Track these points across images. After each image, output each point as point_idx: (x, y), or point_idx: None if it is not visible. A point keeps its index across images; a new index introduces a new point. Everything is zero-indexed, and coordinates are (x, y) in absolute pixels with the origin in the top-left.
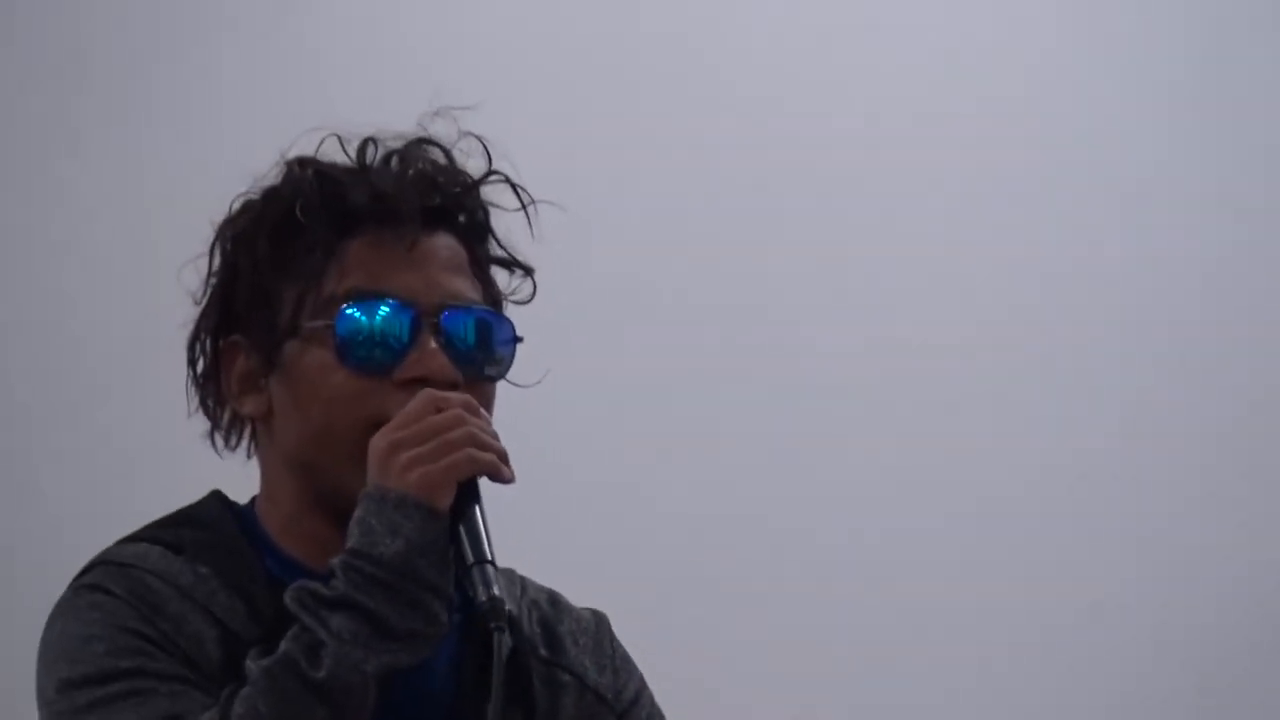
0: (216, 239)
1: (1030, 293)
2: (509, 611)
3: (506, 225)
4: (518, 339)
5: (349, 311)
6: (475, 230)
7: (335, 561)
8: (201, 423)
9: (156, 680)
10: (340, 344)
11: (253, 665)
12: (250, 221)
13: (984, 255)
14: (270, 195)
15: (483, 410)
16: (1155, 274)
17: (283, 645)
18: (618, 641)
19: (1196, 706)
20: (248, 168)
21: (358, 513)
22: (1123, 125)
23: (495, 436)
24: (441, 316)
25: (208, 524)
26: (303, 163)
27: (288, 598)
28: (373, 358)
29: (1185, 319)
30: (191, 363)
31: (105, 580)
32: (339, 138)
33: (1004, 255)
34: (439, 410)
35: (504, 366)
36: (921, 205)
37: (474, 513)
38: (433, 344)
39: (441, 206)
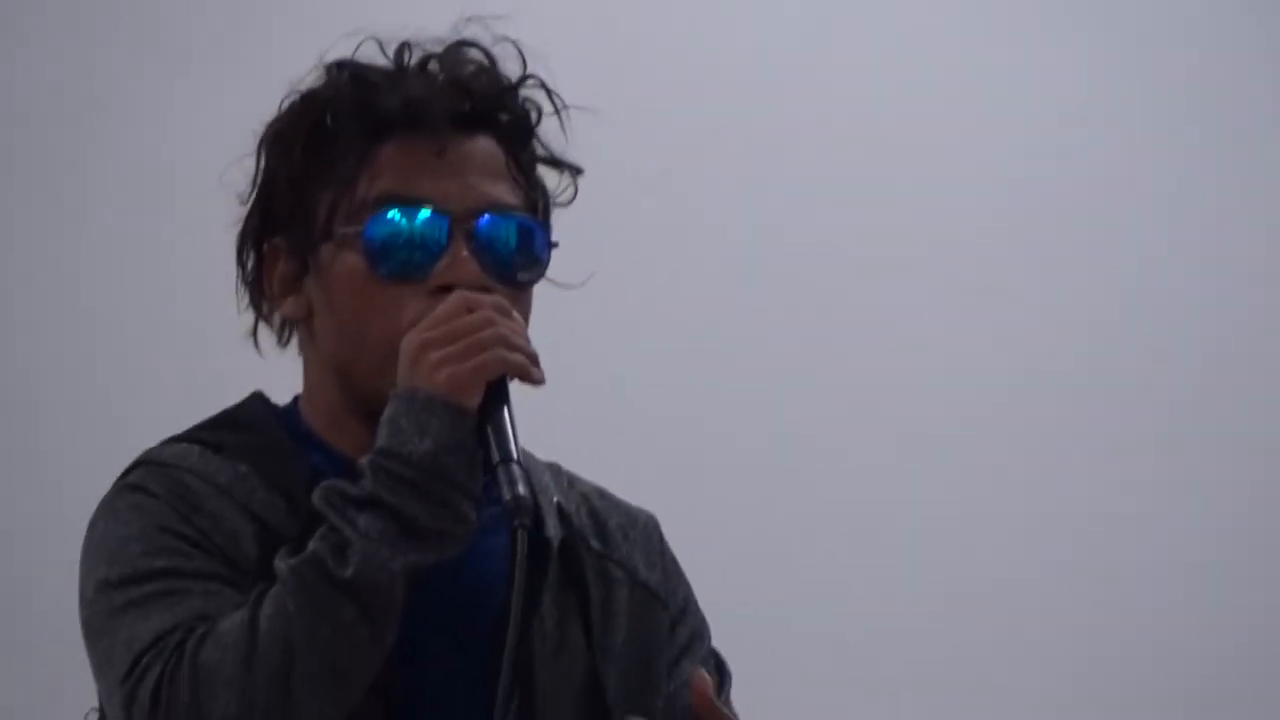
0: (260, 141)
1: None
2: (557, 503)
3: (556, 127)
4: (553, 244)
5: (379, 217)
6: (516, 133)
7: (364, 461)
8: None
9: (191, 579)
10: (370, 250)
11: (281, 565)
12: (287, 125)
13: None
14: (307, 99)
15: (515, 312)
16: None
17: (311, 545)
18: (667, 544)
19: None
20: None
21: (387, 412)
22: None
23: (526, 338)
24: (475, 222)
25: (249, 424)
26: (340, 65)
27: (316, 497)
28: (404, 264)
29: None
30: (240, 264)
31: (145, 480)
32: (378, 42)
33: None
34: (470, 311)
35: (538, 272)
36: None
37: (502, 413)
38: (465, 250)
39: (476, 110)
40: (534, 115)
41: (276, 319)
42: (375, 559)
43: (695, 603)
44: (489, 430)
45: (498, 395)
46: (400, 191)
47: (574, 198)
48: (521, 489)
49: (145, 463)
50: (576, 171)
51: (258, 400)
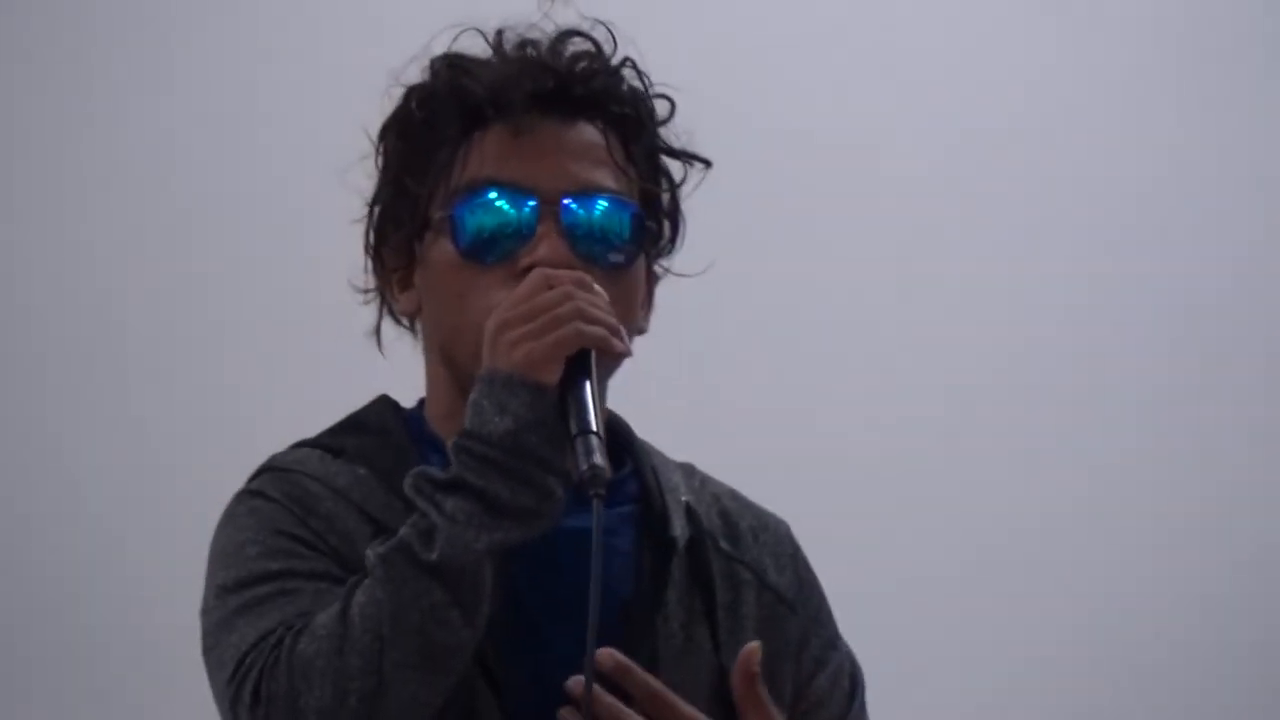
0: (378, 136)
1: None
2: (686, 502)
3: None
4: (646, 227)
5: (466, 201)
6: (623, 120)
7: (449, 445)
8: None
9: (303, 579)
10: (458, 234)
11: (370, 553)
12: (391, 119)
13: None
14: (407, 93)
15: (597, 287)
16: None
17: (400, 531)
18: (801, 551)
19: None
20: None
21: (471, 395)
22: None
23: (608, 311)
24: (561, 204)
25: (373, 427)
26: (443, 57)
27: (406, 485)
28: (491, 247)
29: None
30: (368, 262)
31: (265, 485)
32: (481, 33)
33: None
34: (550, 288)
35: (631, 253)
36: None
37: (582, 386)
38: (550, 231)
39: (564, 92)
40: (646, 104)
41: (405, 321)
42: (460, 540)
43: (828, 612)
44: (569, 403)
45: (579, 369)
46: (489, 175)
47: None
48: (598, 459)
49: (268, 469)
50: (705, 163)
51: (383, 403)
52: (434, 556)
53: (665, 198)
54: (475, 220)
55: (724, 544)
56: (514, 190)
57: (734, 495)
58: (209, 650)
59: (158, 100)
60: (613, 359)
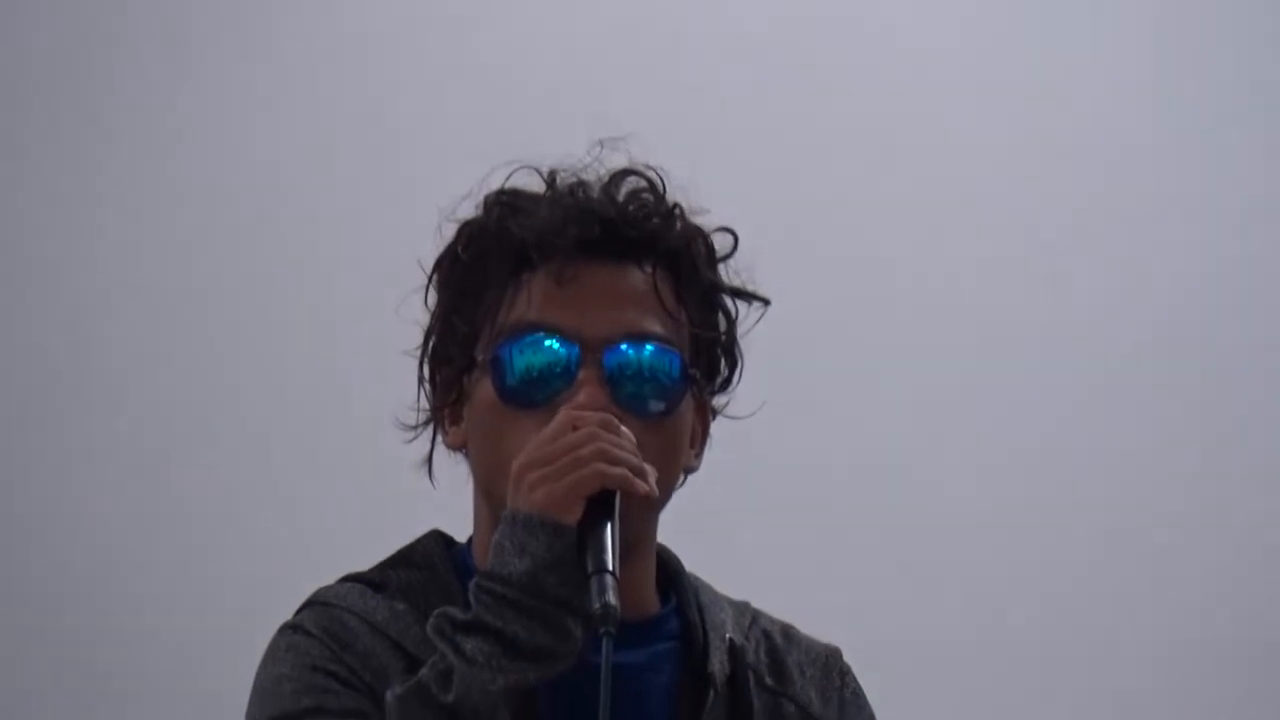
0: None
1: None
2: (729, 640)
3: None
4: (690, 375)
5: (507, 344)
6: (675, 262)
7: (470, 586)
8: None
9: (336, 717)
10: (499, 377)
11: (389, 695)
12: (443, 255)
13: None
14: (460, 229)
15: (623, 429)
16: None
17: (421, 672)
18: (850, 675)
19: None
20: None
21: (494, 536)
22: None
23: (634, 452)
24: (604, 351)
25: (419, 563)
26: (496, 194)
27: (429, 626)
28: (531, 392)
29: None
30: (421, 393)
31: (306, 620)
32: (537, 171)
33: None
34: (575, 429)
35: (673, 402)
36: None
37: (602, 527)
38: (591, 378)
39: (615, 237)
40: (700, 245)
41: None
42: (476, 682)
43: None
44: (588, 543)
45: (601, 510)
46: (532, 319)
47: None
48: (610, 598)
49: (312, 603)
50: (764, 301)
51: (432, 538)
52: (450, 699)
53: (723, 334)
54: (517, 364)
55: (769, 679)
56: (557, 336)
57: (785, 632)
58: None
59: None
60: (636, 500)
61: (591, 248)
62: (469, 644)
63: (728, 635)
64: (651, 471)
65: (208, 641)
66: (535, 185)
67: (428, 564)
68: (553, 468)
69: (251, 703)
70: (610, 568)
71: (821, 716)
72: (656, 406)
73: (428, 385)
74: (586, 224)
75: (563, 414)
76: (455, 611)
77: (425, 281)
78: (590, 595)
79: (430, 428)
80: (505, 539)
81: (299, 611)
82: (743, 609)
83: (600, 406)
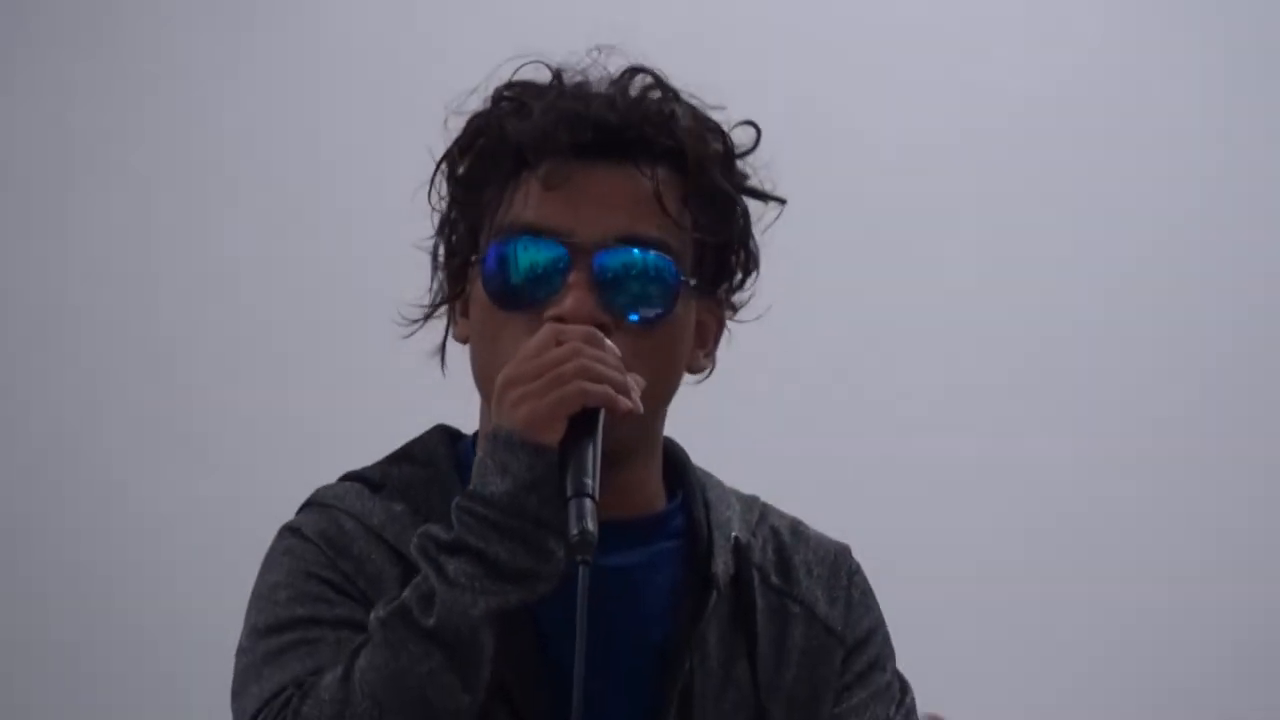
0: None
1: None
2: (735, 538)
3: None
4: (681, 279)
5: (497, 246)
6: (677, 163)
7: (453, 504)
8: None
9: (329, 627)
10: (487, 280)
11: (372, 617)
12: (451, 150)
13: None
14: (467, 125)
15: (608, 343)
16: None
17: (404, 593)
18: (859, 575)
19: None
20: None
21: (478, 453)
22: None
23: (618, 368)
24: (594, 255)
25: (420, 459)
26: (504, 88)
27: (413, 544)
28: (516, 295)
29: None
30: (433, 283)
31: (304, 523)
32: (547, 65)
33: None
34: (559, 344)
35: (663, 309)
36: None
37: (583, 447)
38: (580, 282)
39: (610, 140)
40: (707, 146)
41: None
42: (457, 605)
43: (882, 633)
44: (568, 464)
45: (584, 428)
46: (523, 220)
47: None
48: (589, 524)
49: (310, 503)
50: (779, 201)
51: (436, 434)
52: (431, 622)
53: (739, 234)
54: (505, 265)
55: (775, 579)
56: (546, 238)
57: (794, 528)
58: (235, 695)
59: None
60: (621, 416)
61: (585, 151)
62: (451, 565)
63: (733, 533)
64: (637, 385)
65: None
66: (544, 80)
67: (430, 460)
68: (535, 384)
69: (250, 609)
70: (589, 491)
71: (827, 617)
72: (646, 312)
73: (441, 274)
74: (579, 128)
75: (547, 328)
76: (439, 530)
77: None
78: (568, 519)
79: (444, 317)
80: (488, 456)
81: (299, 511)
82: (751, 504)
83: (587, 311)
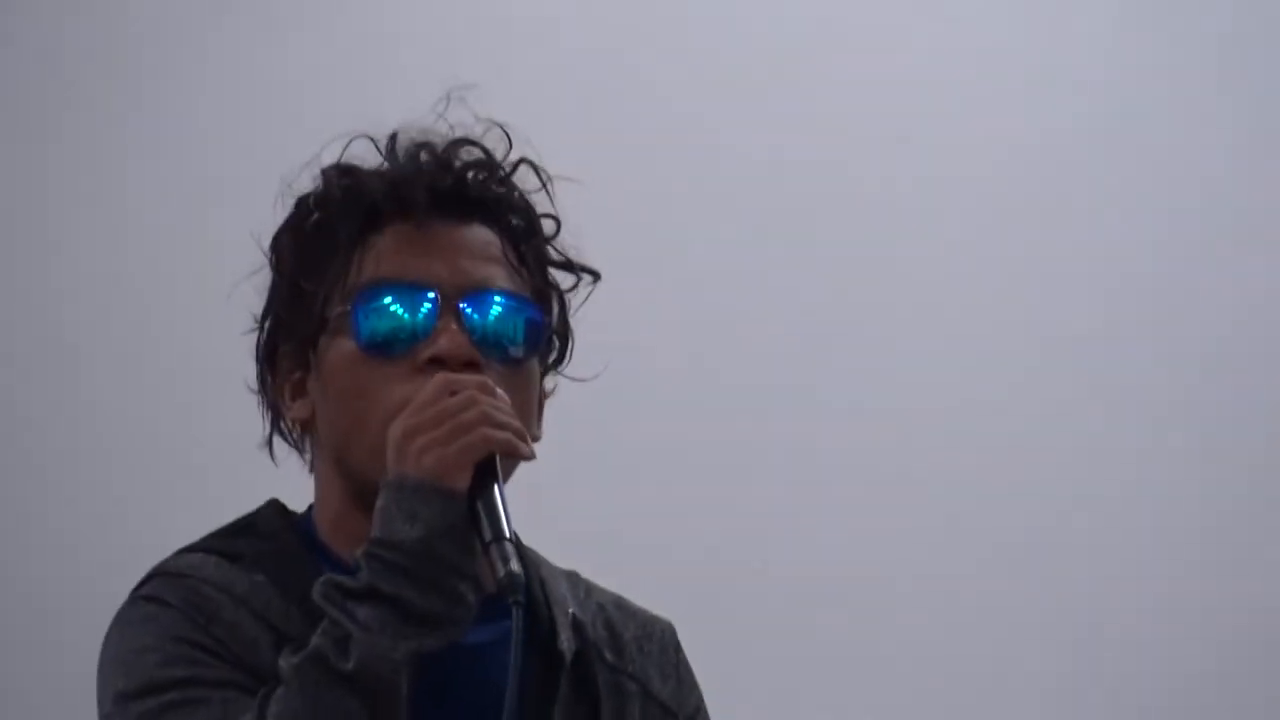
0: (270, 244)
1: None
2: (572, 615)
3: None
4: (545, 323)
5: (366, 293)
6: (515, 223)
7: (359, 552)
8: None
9: (209, 688)
10: (357, 329)
11: (284, 663)
12: (283, 228)
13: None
14: (300, 201)
15: (498, 390)
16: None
17: (312, 640)
18: (683, 653)
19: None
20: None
21: (379, 502)
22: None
23: (512, 414)
24: (461, 299)
25: (265, 533)
26: (337, 166)
27: (315, 593)
28: (391, 341)
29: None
30: (259, 376)
31: (161, 591)
32: (372, 140)
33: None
34: (453, 393)
35: (529, 348)
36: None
37: (492, 491)
38: (450, 325)
39: (462, 191)
40: (533, 210)
41: (291, 429)
42: (376, 649)
43: (705, 710)
44: (480, 509)
45: (487, 474)
46: (388, 274)
47: (584, 298)
48: (515, 566)
49: (160, 574)
50: (592, 275)
51: (273, 508)
52: (350, 666)
53: (555, 311)
54: (374, 316)
55: (609, 656)
56: (413, 286)
57: (618, 603)
58: None
59: None
60: (520, 460)
61: (442, 202)
62: (362, 611)
63: (570, 610)
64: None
65: None
66: (372, 159)
67: (272, 534)
68: (439, 432)
69: (108, 677)
70: (510, 534)
71: (660, 694)
72: (515, 352)
73: (266, 366)
74: (439, 177)
75: (439, 377)
76: (344, 579)
77: (261, 263)
78: (492, 563)
79: (268, 412)
80: (392, 504)
81: (144, 583)
82: (574, 579)
83: (463, 350)
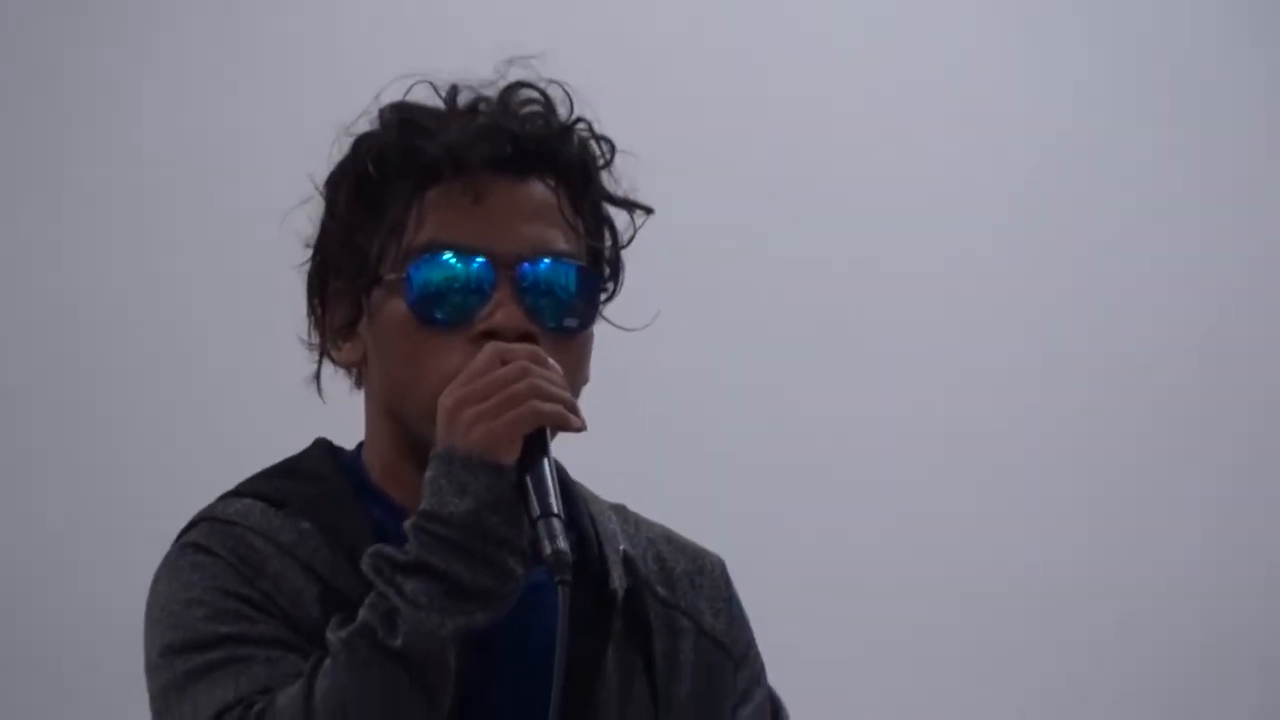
0: (325, 184)
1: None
2: (623, 551)
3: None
4: (603, 289)
5: (422, 262)
6: (572, 177)
7: (407, 524)
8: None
9: (255, 646)
10: (413, 298)
11: (332, 637)
12: (339, 170)
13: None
14: (357, 144)
15: (550, 360)
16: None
17: (360, 613)
18: (734, 588)
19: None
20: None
21: (428, 473)
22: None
23: (564, 386)
24: (517, 268)
25: (312, 475)
26: (392, 108)
27: (364, 564)
28: (447, 310)
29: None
30: (310, 308)
31: (208, 539)
32: (433, 85)
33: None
34: (504, 363)
35: (588, 317)
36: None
37: (541, 465)
38: (507, 296)
39: (521, 155)
40: (593, 158)
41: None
42: (424, 625)
43: (756, 647)
44: (528, 484)
45: (536, 447)
46: (444, 238)
47: (632, 238)
48: (561, 543)
49: (207, 519)
50: (647, 211)
51: (321, 449)
52: (398, 643)
53: (608, 248)
54: (430, 283)
55: (661, 590)
56: (470, 253)
57: (668, 537)
58: (159, 714)
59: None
60: (570, 433)
61: (500, 164)
62: (410, 585)
63: (621, 546)
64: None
65: None
66: (431, 101)
67: (319, 476)
68: (488, 404)
69: (155, 629)
70: (556, 510)
71: (714, 630)
72: (570, 323)
73: (318, 301)
74: (498, 141)
75: (490, 348)
76: (392, 550)
77: (313, 195)
78: (539, 539)
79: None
80: (441, 477)
81: (190, 528)
82: (623, 514)
83: (519, 324)
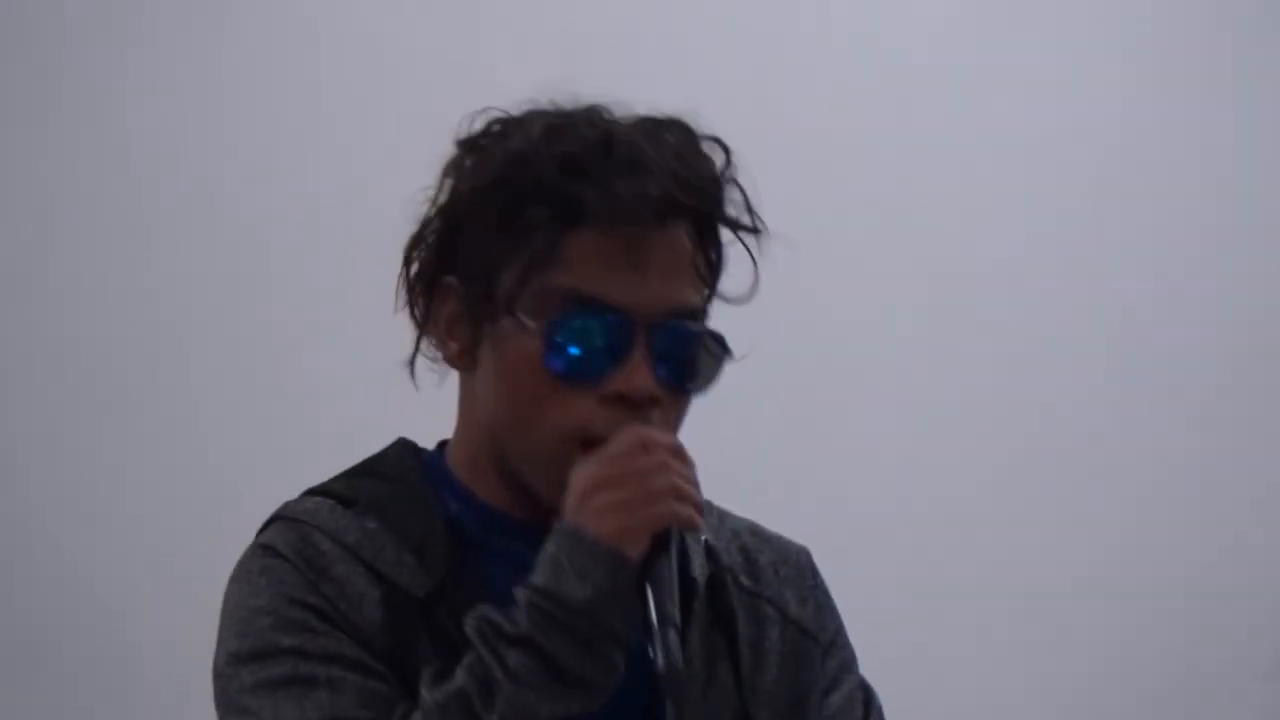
0: (450, 168)
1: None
2: (705, 541)
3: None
4: (728, 354)
5: (564, 317)
6: (713, 225)
7: (520, 595)
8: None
9: (317, 662)
10: (549, 348)
11: (427, 696)
12: (482, 176)
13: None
14: (508, 162)
15: (687, 453)
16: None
17: (457, 675)
18: (820, 576)
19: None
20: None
21: (549, 547)
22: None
23: (696, 485)
24: (655, 332)
25: (389, 475)
26: (551, 138)
27: (468, 626)
28: (580, 368)
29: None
30: (409, 291)
31: (277, 539)
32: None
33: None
34: (646, 451)
35: (709, 384)
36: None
37: (662, 567)
38: (642, 358)
39: (678, 206)
40: (739, 220)
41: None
42: (522, 703)
43: (845, 634)
44: (648, 586)
45: (661, 545)
46: (588, 290)
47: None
48: (678, 660)
49: (280, 517)
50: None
51: (401, 447)
52: (493, 717)
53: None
54: (568, 337)
55: (745, 580)
56: (611, 311)
57: (753, 530)
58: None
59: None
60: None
61: (656, 211)
62: (514, 658)
63: (703, 536)
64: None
65: None
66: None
67: (398, 475)
68: (625, 494)
69: (225, 633)
70: (676, 621)
71: (800, 618)
72: (693, 387)
73: (423, 287)
74: (663, 200)
75: (631, 434)
76: (500, 618)
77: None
78: (654, 647)
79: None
80: (564, 556)
81: (267, 526)
82: (708, 507)
83: (649, 388)
